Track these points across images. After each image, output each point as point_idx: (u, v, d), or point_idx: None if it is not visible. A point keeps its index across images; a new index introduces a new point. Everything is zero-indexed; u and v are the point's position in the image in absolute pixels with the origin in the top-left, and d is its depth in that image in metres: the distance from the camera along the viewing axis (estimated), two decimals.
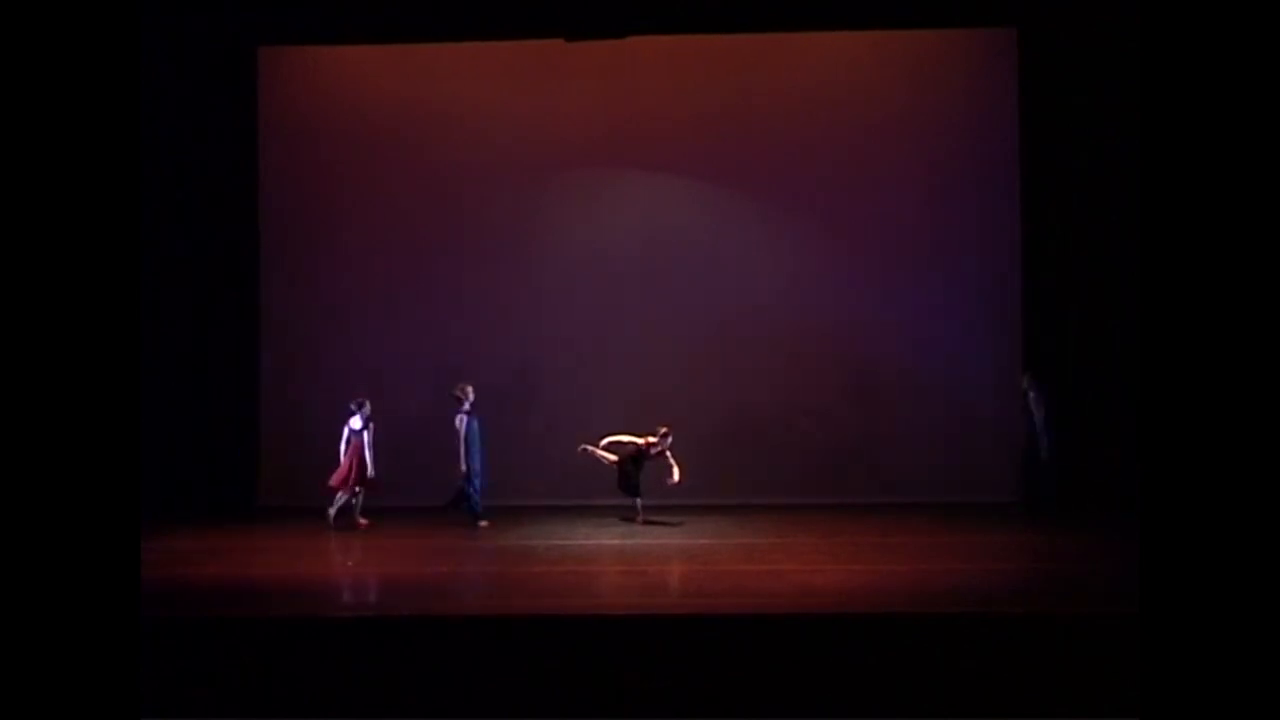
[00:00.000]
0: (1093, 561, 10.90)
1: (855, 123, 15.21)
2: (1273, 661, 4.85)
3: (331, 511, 13.32)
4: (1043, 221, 14.80)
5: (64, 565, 5.10)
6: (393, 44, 15.31)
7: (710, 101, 15.24)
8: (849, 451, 14.98)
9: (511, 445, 14.24)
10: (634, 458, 13.34)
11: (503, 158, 15.41)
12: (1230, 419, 4.99)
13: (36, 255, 5.20)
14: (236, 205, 15.29)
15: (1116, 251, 13.92)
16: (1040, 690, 7.35)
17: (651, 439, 13.35)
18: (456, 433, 13.15)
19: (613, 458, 13.41)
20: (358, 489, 13.32)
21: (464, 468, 13.10)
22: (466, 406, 13.21)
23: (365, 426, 13.30)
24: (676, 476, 13.17)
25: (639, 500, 13.34)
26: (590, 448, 13.47)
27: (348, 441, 13.33)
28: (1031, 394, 13.86)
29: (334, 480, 13.31)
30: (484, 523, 13.16)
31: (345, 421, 13.38)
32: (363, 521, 13.35)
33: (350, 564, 11.47)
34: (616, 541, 12.51)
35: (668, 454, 13.29)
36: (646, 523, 13.25)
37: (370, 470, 13.23)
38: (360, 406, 13.38)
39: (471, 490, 13.21)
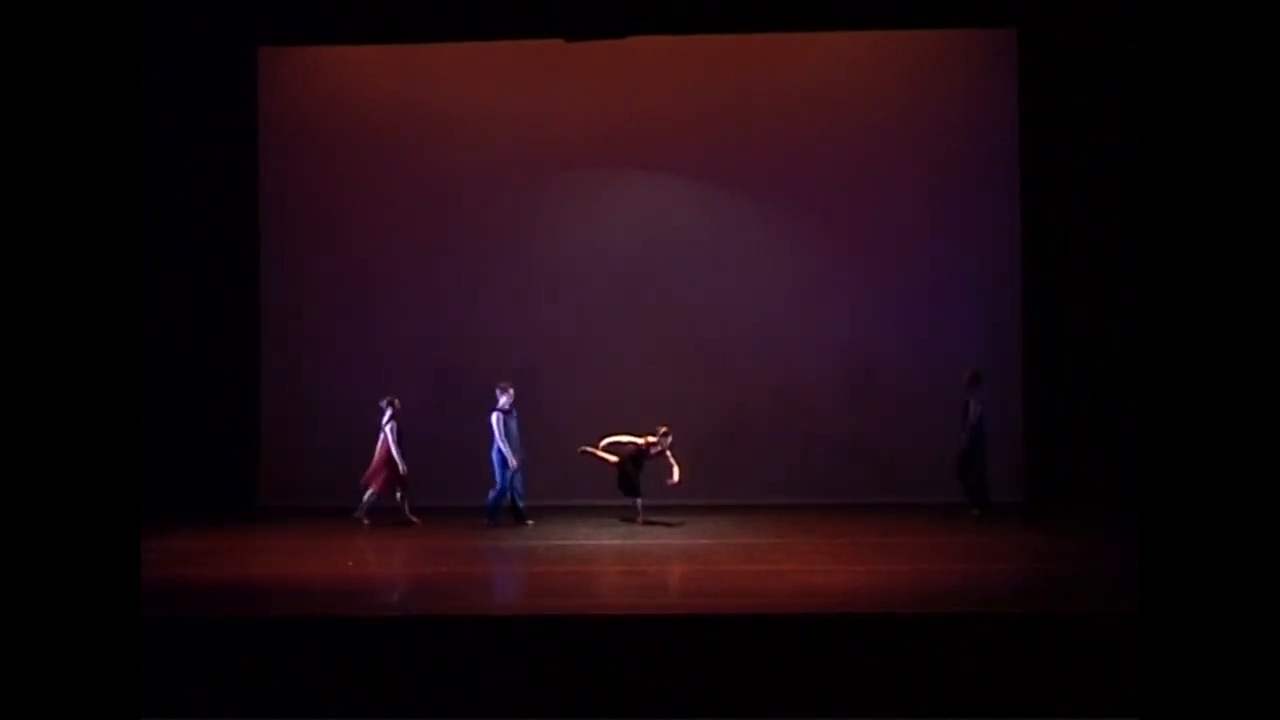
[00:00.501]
0: (1093, 561, 10.90)
1: (855, 123, 15.22)
2: (1273, 661, 4.85)
3: (360, 511, 13.45)
4: (1043, 221, 14.81)
5: (64, 565, 5.09)
6: (393, 44, 15.34)
7: (710, 101, 15.25)
8: (849, 451, 14.98)
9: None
10: (634, 458, 13.34)
11: (503, 158, 15.42)
12: (1230, 419, 4.99)
13: (37, 255, 5.20)
14: (236, 205, 15.30)
15: (1116, 251, 13.92)
16: (1040, 690, 7.34)
17: (651, 439, 13.35)
18: (493, 431, 13.14)
19: (613, 458, 13.41)
20: (397, 488, 13.41)
21: (513, 464, 13.10)
22: (504, 404, 13.19)
23: (388, 424, 13.39)
24: (676, 476, 13.17)
25: (639, 500, 13.34)
26: (590, 449, 13.47)
27: (382, 441, 13.45)
28: (971, 398, 13.80)
29: (364, 478, 13.46)
30: (530, 521, 13.24)
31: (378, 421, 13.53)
32: (414, 519, 13.41)
33: (350, 564, 11.47)
34: (616, 541, 12.51)
35: (668, 454, 13.29)
36: (646, 523, 13.25)
37: (401, 467, 13.32)
38: (389, 404, 13.43)
39: (511, 488, 13.19)
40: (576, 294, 15.33)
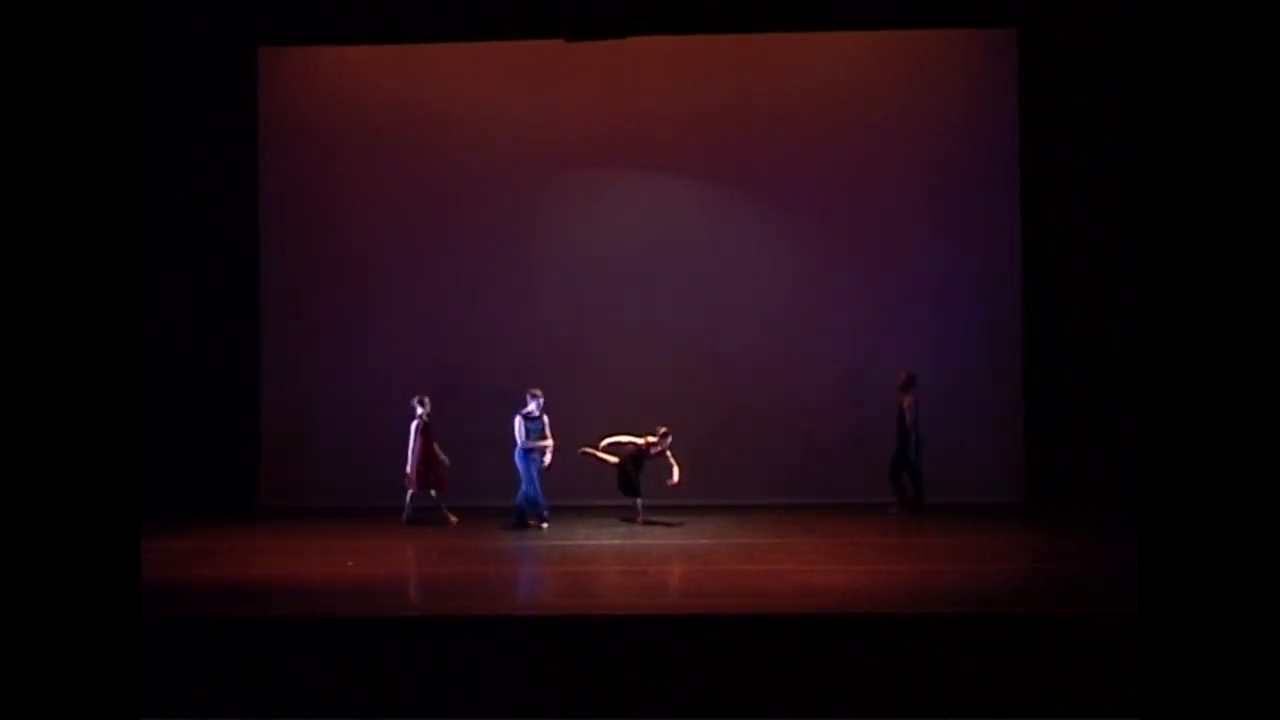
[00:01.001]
0: (1093, 561, 10.89)
1: (855, 123, 15.21)
2: (1273, 661, 4.85)
3: (406, 512, 13.47)
4: (1043, 221, 14.81)
5: (64, 565, 5.09)
6: (393, 44, 15.33)
7: (710, 101, 15.24)
8: (849, 451, 14.97)
9: (511, 445, 14.22)
10: (634, 458, 13.33)
11: (503, 158, 15.42)
12: (1230, 419, 4.99)
13: (37, 255, 5.20)
14: (236, 205, 15.30)
15: (1116, 251, 13.92)
16: (1040, 690, 7.34)
17: (651, 439, 13.35)
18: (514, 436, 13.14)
19: (613, 459, 13.41)
20: (431, 487, 13.42)
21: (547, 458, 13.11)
22: (533, 410, 13.16)
23: (415, 422, 13.38)
24: (676, 476, 13.16)
25: (639, 500, 13.34)
26: (590, 450, 13.46)
27: (411, 440, 13.46)
28: (905, 399, 13.80)
29: (404, 480, 13.47)
30: (545, 525, 13.19)
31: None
32: (451, 519, 13.40)
33: (350, 564, 11.46)
34: (616, 541, 12.51)
35: (667, 454, 13.29)
36: (646, 523, 13.25)
37: (413, 465, 13.31)
38: (419, 403, 13.44)
39: (534, 494, 13.17)
40: (576, 294, 15.33)
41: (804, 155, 15.29)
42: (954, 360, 14.90)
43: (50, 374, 5.17)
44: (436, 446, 13.38)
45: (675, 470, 13.18)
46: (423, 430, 13.35)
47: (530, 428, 13.11)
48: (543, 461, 13.14)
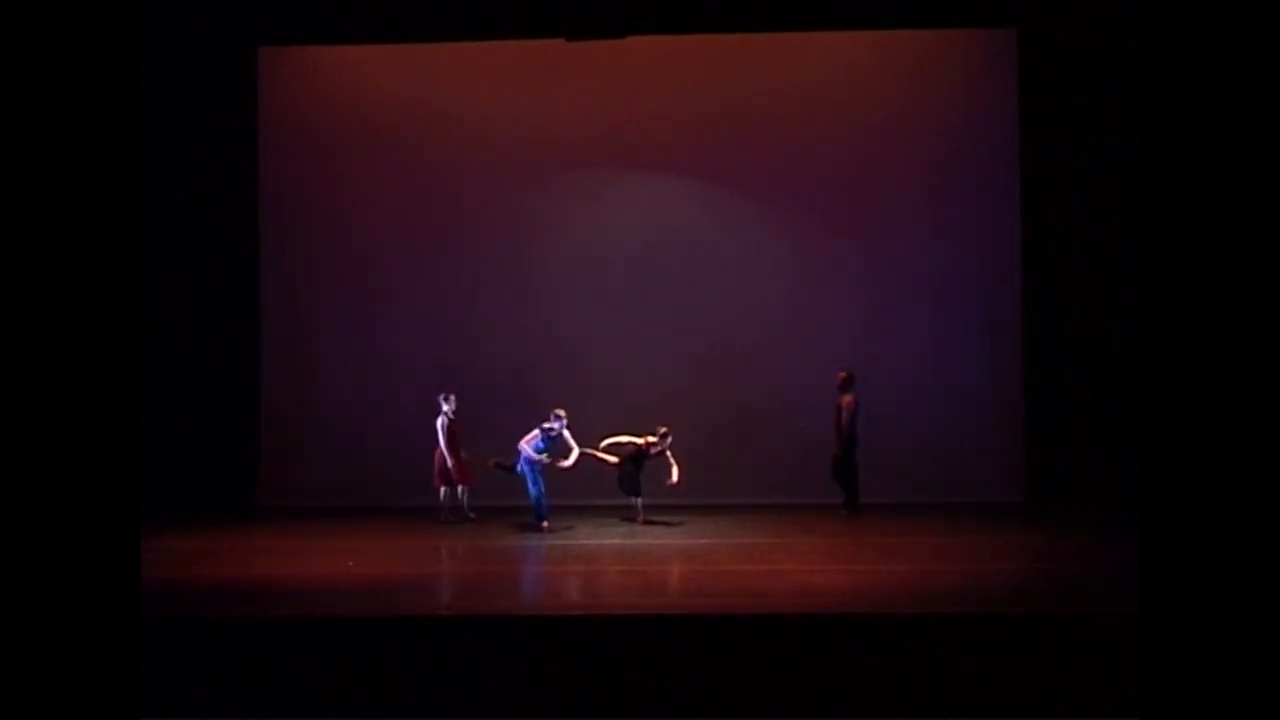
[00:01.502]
0: (1093, 561, 10.89)
1: (855, 123, 15.22)
2: (1273, 661, 4.85)
3: (442, 513, 13.49)
4: (1043, 221, 14.81)
5: (64, 565, 5.10)
6: (393, 44, 15.34)
7: (710, 101, 15.25)
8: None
9: (511, 446, 14.22)
10: (634, 458, 13.33)
11: (503, 158, 15.42)
12: (1230, 419, 4.99)
13: (37, 255, 5.20)
14: (236, 205, 15.31)
15: (1116, 251, 13.93)
16: (1040, 690, 7.34)
17: (651, 439, 13.35)
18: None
19: (613, 459, 13.41)
20: (457, 484, 13.47)
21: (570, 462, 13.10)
22: (555, 428, 13.06)
23: (439, 420, 13.40)
24: (676, 476, 13.16)
25: (639, 500, 13.34)
26: (590, 450, 13.44)
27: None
28: (843, 399, 13.80)
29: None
30: (545, 525, 13.14)
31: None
32: (471, 515, 13.46)
33: (350, 564, 11.46)
34: (616, 541, 12.51)
35: (668, 454, 13.29)
36: (647, 523, 13.25)
37: (450, 462, 13.35)
38: (445, 399, 13.46)
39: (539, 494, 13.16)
40: (576, 294, 15.34)
41: (804, 155, 15.29)
42: (954, 360, 14.90)
43: (51, 374, 5.17)
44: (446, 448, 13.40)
45: (675, 470, 13.18)
46: (447, 427, 13.37)
47: (543, 445, 13.06)
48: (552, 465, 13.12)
